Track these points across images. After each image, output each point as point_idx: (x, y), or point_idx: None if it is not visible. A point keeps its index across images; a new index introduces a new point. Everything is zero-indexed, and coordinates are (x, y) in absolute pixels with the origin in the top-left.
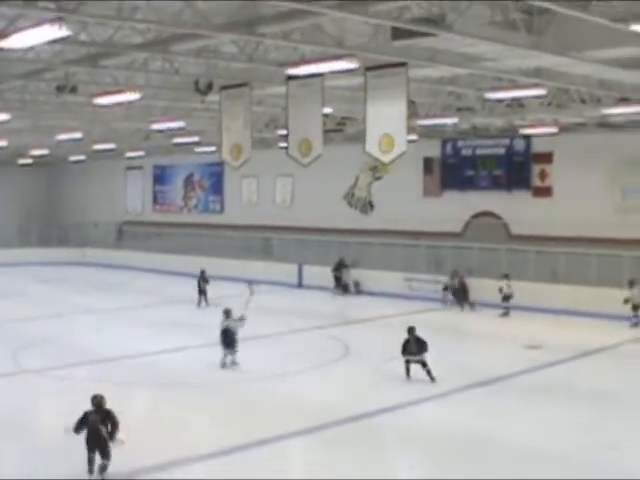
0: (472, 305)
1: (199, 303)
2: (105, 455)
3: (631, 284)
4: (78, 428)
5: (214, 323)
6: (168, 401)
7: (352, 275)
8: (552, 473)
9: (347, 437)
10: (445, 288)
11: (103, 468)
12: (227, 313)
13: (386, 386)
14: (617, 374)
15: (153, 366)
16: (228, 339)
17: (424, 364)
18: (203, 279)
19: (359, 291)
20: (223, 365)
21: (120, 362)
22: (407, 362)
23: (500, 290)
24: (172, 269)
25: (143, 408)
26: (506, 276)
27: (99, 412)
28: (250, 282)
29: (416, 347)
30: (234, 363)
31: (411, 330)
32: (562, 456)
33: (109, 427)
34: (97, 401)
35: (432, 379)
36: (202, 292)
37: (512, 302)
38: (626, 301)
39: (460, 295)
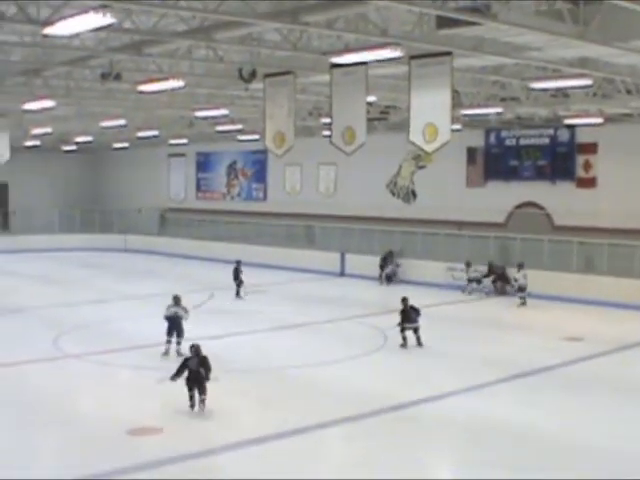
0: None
1: (237, 293)
2: (202, 392)
3: None
4: (178, 374)
5: (254, 310)
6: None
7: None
8: (591, 466)
9: (385, 427)
10: (470, 280)
11: (203, 401)
12: (176, 300)
13: (425, 376)
14: None
15: None
16: (176, 326)
17: (416, 329)
18: (239, 270)
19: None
20: (166, 353)
21: (160, 348)
22: (403, 330)
23: (515, 280)
24: (214, 256)
25: (180, 394)
26: (521, 266)
27: (197, 357)
28: (213, 294)
29: (414, 315)
30: (179, 354)
31: (405, 300)
32: (602, 449)
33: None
34: (195, 349)
35: (420, 344)
36: (239, 282)
37: (555, 293)
38: None
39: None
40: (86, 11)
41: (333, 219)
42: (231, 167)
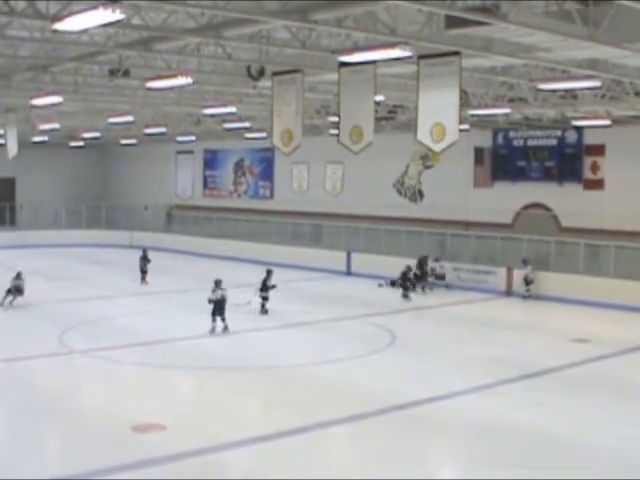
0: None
1: (142, 280)
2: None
3: None
4: None
5: (260, 308)
6: (210, 385)
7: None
8: (597, 467)
9: (391, 426)
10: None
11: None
12: (217, 283)
13: (432, 376)
14: None
15: (197, 349)
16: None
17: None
18: (145, 258)
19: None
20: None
21: (165, 345)
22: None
23: (433, 270)
24: (221, 254)
25: (185, 391)
26: (437, 260)
27: None
28: None
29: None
30: (226, 329)
31: (270, 272)
32: (609, 450)
33: None
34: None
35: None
36: (143, 271)
37: (561, 295)
38: None
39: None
40: (95, 7)
41: (340, 218)
42: (238, 165)
